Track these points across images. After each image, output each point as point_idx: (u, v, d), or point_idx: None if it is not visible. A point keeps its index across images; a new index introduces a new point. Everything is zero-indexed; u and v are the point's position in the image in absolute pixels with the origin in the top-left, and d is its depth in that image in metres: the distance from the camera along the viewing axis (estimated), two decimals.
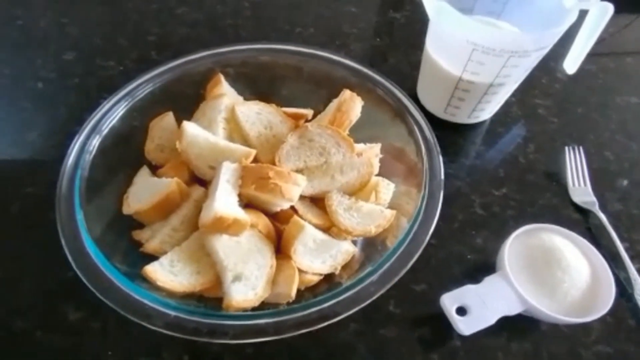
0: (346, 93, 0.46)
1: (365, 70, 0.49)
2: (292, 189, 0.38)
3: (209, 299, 0.36)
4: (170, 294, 0.34)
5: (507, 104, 0.61)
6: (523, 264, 0.42)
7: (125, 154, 0.45)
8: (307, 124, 0.43)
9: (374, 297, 0.32)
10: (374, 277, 0.33)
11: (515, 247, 0.44)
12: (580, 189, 0.54)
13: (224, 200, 0.36)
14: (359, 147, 0.46)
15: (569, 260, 0.42)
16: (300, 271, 0.38)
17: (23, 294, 0.42)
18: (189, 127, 0.41)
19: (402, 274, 0.34)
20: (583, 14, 0.49)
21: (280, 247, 0.40)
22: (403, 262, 0.34)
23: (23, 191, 0.50)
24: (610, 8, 0.48)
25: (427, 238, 0.36)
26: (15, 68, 0.64)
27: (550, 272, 0.41)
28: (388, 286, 0.33)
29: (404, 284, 0.38)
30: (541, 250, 0.43)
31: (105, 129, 0.42)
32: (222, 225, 0.35)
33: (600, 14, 0.49)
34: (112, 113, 0.43)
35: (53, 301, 0.42)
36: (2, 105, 0.60)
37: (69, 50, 0.67)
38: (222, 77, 0.48)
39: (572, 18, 0.47)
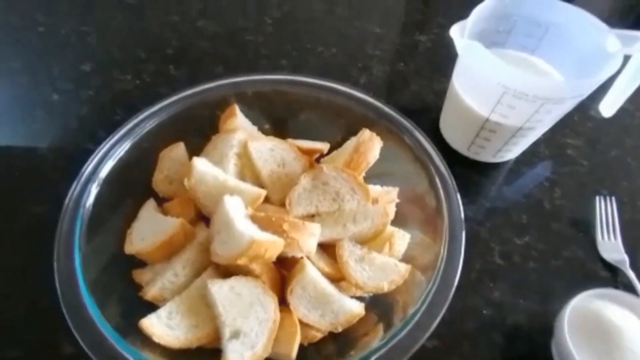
0: (365, 133, 0.43)
1: (385, 108, 0.46)
2: (309, 241, 0.36)
3: (208, 352, 0.34)
4: (166, 349, 0.32)
5: (534, 142, 0.57)
6: (580, 339, 0.38)
7: (133, 184, 0.43)
8: (322, 165, 0.41)
9: None
10: (387, 348, 0.31)
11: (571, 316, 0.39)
12: (610, 243, 0.51)
13: (249, 227, 0.34)
14: (375, 189, 0.44)
15: (630, 336, 0.37)
16: (303, 325, 0.36)
17: (17, 321, 0.41)
18: (198, 163, 0.39)
19: (414, 350, 0.31)
20: (626, 57, 0.46)
21: (284, 296, 0.38)
22: (418, 333, 0.32)
23: (29, 208, 0.49)
24: None
25: (442, 312, 0.33)
26: (32, 76, 0.64)
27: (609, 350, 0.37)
28: None
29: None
30: (598, 322, 0.39)
31: (115, 158, 0.41)
32: (260, 251, 0.33)
33: None
34: (123, 141, 0.42)
35: (48, 332, 0.41)
36: (17, 115, 0.60)
37: (87, 60, 0.66)
38: (237, 109, 0.47)
39: (615, 66, 0.43)
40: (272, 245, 0.33)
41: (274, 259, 0.35)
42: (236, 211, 0.35)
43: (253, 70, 0.51)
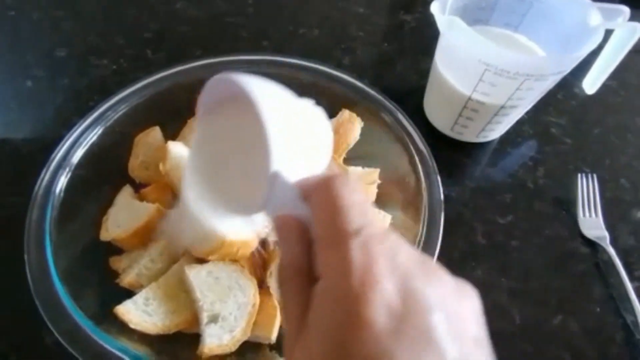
0: (345, 114, 0.43)
1: (366, 88, 0.46)
2: None
3: (187, 338, 0.34)
4: (144, 335, 0.32)
5: (517, 122, 0.57)
6: None
7: (108, 170, 0.42)
8: None
9: None
10: None
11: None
12: (591, 220, 0.51)
13: (224, 223, 0.34)
14: (356, 171, 0.43)
15: None
16: None
17: None
18: (174, 147, 0.39)
19: None
20: (608, 32, 0.45)
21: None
22: None
23: (3, 200, 0.48)
24: (639, 29, 0.44)
25: None
26: (4, 63, 0.62)
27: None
28: None
29: None
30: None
31: (87, 144, 0.40)
32: (231, 250, 0.33)
33: (628, 35, 0.45)
34: (95, 126, 0.41)
35: (28, 322, 0.40)
36: None
37: (61, 46, 0.64)
38: None
39: (597, 40, 0.43)
40: (244, 244, 0.33)
41: (247, 255, 0.35)
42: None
43: (234, 52, 0.50)
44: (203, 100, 0.26)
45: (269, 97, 0.22)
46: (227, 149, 0.26)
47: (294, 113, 0.23)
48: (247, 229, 0.34)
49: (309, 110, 0.24)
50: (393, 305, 0.16)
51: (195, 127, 0.24)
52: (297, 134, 0.22)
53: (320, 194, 0.19)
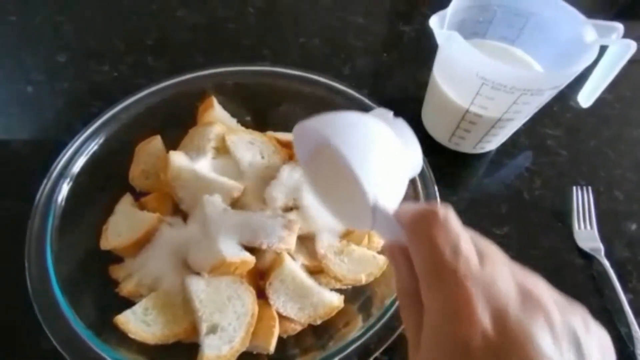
0: None
1: (365, 99, 0.46)
2: (288, 238, 0.36)
3: (186, 348, 0.34)
4: (143, 345, 0.32)
5: (514, 133, 0.58)
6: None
7: (109, 179, 0.42)
8: None
9: None
10: (365, 339, 0.31)
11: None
12: (586, 232, 0.52)
13: (225, 241, 0.34)
14: None
15: None
16: (282, 317, 0.36)
17: None
18: (175, 157, 0.39)
19: (394, 337, 0.32)
20: (603, 48, 0.46)
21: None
22: (395, 323, 0.32)
23: (3, 204, 0.48)
24: (632, 46, 0.45)
25: None
26: (5, 68, 0.62)
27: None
28: (379, 351, 0.31)
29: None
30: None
31: (88, 152, 0.40)
32: (229, 269, 0.34)
33: (622, 51, 0.46)
34: (97, 135, 0.41)
35: (26, 329, 0.40)
36: None
37: (61, 51, 0.64)
38: (214, 101, 0.46)
39: (592, 56, 0.44)
40: (242, 264, 0.34)
41: (244, 274, 0.35)
42: (213, 216, 0.35)
43: (234, 61, 0.51)
44: (296, 145, 0.29)
45: (348, 136, 0.23)
46: (333, 180, 0.29)
47: (376, 141, 0.24)
48: (248, 254, 0.35)
49: (389, 130, 0.25)
50: (490, 338, 0.17)
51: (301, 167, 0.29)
52: (383, 159, 0.23)
53: (414, 231, 0.20)
